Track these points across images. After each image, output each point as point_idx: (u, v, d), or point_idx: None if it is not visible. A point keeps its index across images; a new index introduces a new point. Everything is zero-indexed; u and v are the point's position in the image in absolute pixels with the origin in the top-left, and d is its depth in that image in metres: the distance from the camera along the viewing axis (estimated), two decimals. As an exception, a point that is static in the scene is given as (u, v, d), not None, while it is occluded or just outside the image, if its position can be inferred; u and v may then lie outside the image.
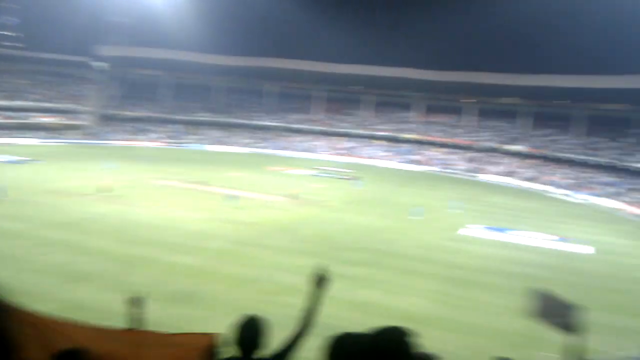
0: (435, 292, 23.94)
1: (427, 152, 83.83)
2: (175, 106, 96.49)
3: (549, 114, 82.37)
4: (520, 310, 15.12)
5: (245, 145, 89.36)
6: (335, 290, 20.77)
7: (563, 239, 37.47)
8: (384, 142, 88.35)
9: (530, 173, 71.60)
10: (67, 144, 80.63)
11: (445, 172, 77.08)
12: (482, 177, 73.43)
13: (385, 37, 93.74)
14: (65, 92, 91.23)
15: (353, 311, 19.92)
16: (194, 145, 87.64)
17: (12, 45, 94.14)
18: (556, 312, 5.42)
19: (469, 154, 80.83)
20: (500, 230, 38.96)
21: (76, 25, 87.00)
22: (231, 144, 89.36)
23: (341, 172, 66.19)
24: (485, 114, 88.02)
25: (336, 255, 28.52)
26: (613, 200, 57.71)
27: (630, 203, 55.67)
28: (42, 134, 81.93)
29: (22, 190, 40.87)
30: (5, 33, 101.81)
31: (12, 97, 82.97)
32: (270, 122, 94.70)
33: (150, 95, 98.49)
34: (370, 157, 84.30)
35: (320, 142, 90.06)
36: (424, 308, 22.02)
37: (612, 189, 60.91)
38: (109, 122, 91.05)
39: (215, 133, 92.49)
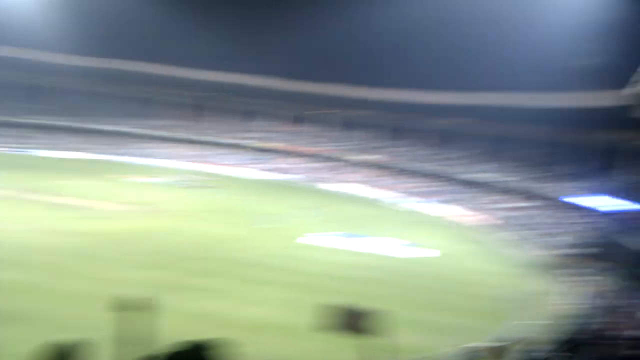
0: (277, 299, 24.48)
1: (285, 161, 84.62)
2: (20, 108, 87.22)
3: (403, 127, 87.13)
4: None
5: (83, 150, 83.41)
6: (179, 301, 20.56)
7: (406, 245, 40.31)
8: (239, 150, 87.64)
9: (376, 183, 75.30)
10: None
11: (302, 181, 77.99)
12: (331, 186, 75.66)
13: (252, 43, 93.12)
14: None
15: (197, 323, 19.64)
16: (19, 150, 79.72)
17: None
18: (349, 320, 5.93)
19: (326, 164, 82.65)
20: (344, 236, 40.95)
21: None
22: (84, 150, 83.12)
23: (198, 180, 64.71)
24: (345, 125, 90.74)
25: (179, 267, 27.97)
26: (450, 207, 63.11)
27: (460, 211, 61.47)
28: None
29: None
30: None
31: None
32: (126, 127, 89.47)
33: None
34: (227, 165, 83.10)
35: (179, 150, 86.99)
36: (267, 316, 22.41)
37: (451, 196, 66.32)
38: None
39: (66, 138, 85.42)
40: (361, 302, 7.26)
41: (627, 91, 49.16)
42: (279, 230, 41.39)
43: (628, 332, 16.37)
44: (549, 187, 60.51)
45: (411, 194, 69.76)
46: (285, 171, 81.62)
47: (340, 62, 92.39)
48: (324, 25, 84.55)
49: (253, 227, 41.19)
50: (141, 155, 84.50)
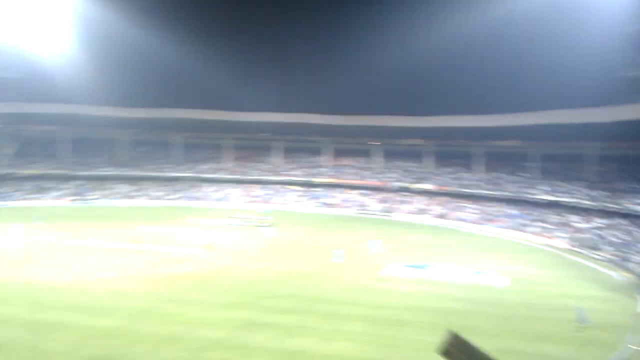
0: (363, 334, 23.95)
1: (340, 195, 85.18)
2: (76, 162, 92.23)
3: (451, 153, 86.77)
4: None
5: (156, 198, 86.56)
6: (266, 340, 20.48)
7: (479, 272, 38.92)
8: (297, 187, 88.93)
9: (440, 210, 74.44)
10: (-43, 207, 74.39)
11: (360, 213, 78.41)
12: (396, 216, 75.34)
13: (289, 84, 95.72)
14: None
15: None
16: (101, 202, 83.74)
17: None
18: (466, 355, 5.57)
19: (381, 195, 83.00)
20: (420, 267, 39.93)
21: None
22: (141, 197, 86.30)
23: (257, 219, 65.54)
24: (391, 155, 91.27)
25: (261, 305, 27.97)
26: (520, 232, 60.99)
27: (535, 233, 59.13)
28: None
29: None
30: None
31: None
32: (180, 173, 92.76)
33: (48, 152, 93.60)
34: (284, 203, 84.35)
35: (233, 191, 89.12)
36: (354, 351, 21.95)
37: (518, 221, 64.50)
38: (4, 182, 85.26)
39: (123, 187, 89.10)
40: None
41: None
42: (356, 263, 40.97)
43: None
44: (623, 203, 57.62)
45: (483, 219, 67.99)
46: (358, 205, 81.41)
47: (388, 94, 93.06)
48: (368, 60, 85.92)
49: (329, 262, 41.01)
50: (210, 199, 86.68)
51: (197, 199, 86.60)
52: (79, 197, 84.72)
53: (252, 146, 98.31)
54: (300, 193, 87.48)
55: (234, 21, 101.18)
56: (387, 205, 79.81)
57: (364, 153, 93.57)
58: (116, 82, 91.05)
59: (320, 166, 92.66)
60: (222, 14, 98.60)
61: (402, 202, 79.89)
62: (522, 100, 71.90)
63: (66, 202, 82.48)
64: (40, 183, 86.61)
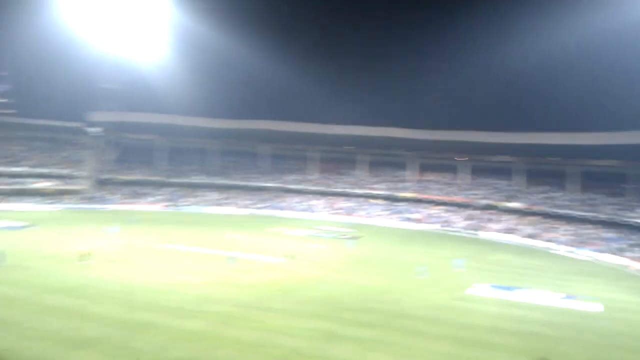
0: (446, 355, 23.22)
1: (424, 210, 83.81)
2: (170, 169, 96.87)
3: (543, 171, 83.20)
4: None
5: (244, 206, 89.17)
6: (344, 352, 20.35)
7: (570, 297, 36.84)
8: (381, 201, 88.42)
9: (530, 230, 71.40)
10: (63, 208, 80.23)
11: (444, 230, 76.75)
12: (483, 234, 73.09)
13: (377, 98, 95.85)
14: (60, 158, 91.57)
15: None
16: (192, 208, 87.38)
17: (6, 112, 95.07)
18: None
19: (467, 212, 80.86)
20: (507, 288, 38.37)
21: (69, 91, 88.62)
22: (229, 205, 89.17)
23: (340, 231, 65.74)
24: (479, 171, 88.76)
25: (342, 318, 27.84)
26: (617, 256, 57.31)
27: (634, 259, 55.30)
28: (39, 199, 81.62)
29: (20, 255, 40.29)
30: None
31: (8, 163, 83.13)
32: (266, 183, 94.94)
33: (146, 159, 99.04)
34: (368, 216, 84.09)
35: (318, 202, 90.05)
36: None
37: (614, 245, 60.65)
38: (105, 186, 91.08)
39: (213, 195, 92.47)
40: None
41: None
42: (439, 281, 40.03)
43: None
44: None
45: (576, 241, 64.47)
46: (443, 221, 79.82)
47: (479, 109, 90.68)
48: (461, 74, 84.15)
49: (411, 278, 40.36)
50: (294, 209, 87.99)
51: (281, 208, 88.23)
52: (171, 203, 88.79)
53: (337, 158, 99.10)
54: (383, 207, 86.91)
55: (327, 37, 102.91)
56: (473, 222, 77.59)
57: (450, 169, 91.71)
58: (210, 94, 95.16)
59: (405, 180, 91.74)
60: (313, 29, 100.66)
61: (489, 220, 77.39)
62: (624, 118, 67.85)
63: (159, 207, 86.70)
64: (137, 188, 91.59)
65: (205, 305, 28.99)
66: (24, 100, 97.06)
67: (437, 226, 78.39)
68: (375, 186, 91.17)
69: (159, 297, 30.17)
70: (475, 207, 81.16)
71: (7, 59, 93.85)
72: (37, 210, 76.66)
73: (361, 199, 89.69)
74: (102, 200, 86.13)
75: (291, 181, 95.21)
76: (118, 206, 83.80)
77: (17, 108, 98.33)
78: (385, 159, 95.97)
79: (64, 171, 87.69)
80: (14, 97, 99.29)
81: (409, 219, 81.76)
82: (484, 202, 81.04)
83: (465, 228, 76.28)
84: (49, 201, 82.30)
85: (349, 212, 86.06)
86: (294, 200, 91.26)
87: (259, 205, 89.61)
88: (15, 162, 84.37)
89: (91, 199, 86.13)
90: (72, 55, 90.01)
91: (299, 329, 25.38)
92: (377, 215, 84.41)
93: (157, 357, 20.57)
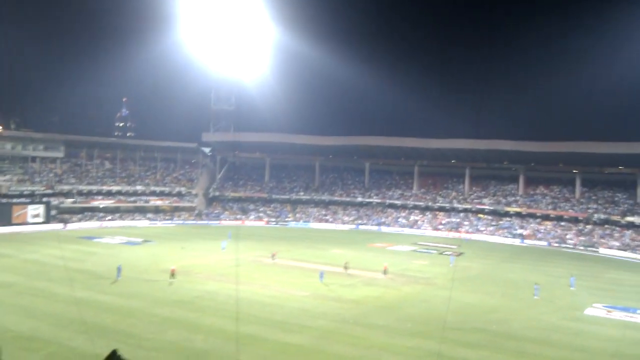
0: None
1: (532, 225, 79.87)
2: (276, 186, 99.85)
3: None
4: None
5: (347, 222, 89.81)
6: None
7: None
8: (486, 216, 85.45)
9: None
10: (177, 224, 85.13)
11: (554, 246, 72.66)
12: (597, 251, 68.39)
13: (481, 110, 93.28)
14: (176, 176, 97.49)
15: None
16: (297, 224, 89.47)
17: (126, 135, 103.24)
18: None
19: (579, 227, 76.04)
20: (627, 310, 35.60)
21: (185, 114, 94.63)
22: (333, 221, 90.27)
23: (444, 247, 64.29)
24: (592, 183, 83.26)
25: (446, 336, 27.18)
26: None
27: None
28: (155, 215, 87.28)
29: (137, 269, 43.25)
30: (120, 124, 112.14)
31: (129, 182, 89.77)
32: (369, 198, 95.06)
33: (253, 177, 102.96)
34: (472, 232, 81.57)
35: (421, 218, 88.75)
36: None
37: None
38: (215, 203, 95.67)
39: (316, 211, 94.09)
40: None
41: None
42: (552, 300, 37.92)
43: None
44: None
45: None
46: (552, 237, 75.80)
47: (592, 118, 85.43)
48: (573, 83, 79.88)
49: (521, 296, 38.63)
50: (397, 225, 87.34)
51: (384, 224, 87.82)
52: (276, 219, 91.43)
53: (440, 173, 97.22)
54: (489, 222, 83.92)
55: (431, 50, 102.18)
56: (587, 238, 72.81)
57: (560, 181, 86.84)
58: (313, 112, 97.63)
59: (512, 194, 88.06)
60: (415, 44, 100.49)
61: (606, 235, 72.25)
62: None
63: (264, 222, 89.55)
64: (244, 204, 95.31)
65: (309, 319, 29.54)
66: (143, 122, 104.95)
67: (546, 242, 74.35)
68: (480, 201, 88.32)
69: (266, 310, 31.17)
70: (590, 222, 76.13)
71: (127, 84, 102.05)
72: (153, 226, 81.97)
73: (465, 214, 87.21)
74: (212, 217, 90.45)
75: (393, 196, 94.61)
76: (227, 222, 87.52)
77: (136, 130, 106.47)
78: (491, 172, 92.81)
79: (178, 189, 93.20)
80: (134, 120, 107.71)
81: (516, 235, 78.29)
82: (600, 216, 75.76)
83: (579, 244, 71.74)
84: (165, 217, 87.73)
85: (453, 227, 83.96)
86: (396, 215, 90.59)
87: (361, 221, 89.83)
88: (134, 181, 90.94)
89: (202, 215, 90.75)
90: (188, 79, 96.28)
91: (402, 347, 25.18)
92: (483, 231, 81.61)
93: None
